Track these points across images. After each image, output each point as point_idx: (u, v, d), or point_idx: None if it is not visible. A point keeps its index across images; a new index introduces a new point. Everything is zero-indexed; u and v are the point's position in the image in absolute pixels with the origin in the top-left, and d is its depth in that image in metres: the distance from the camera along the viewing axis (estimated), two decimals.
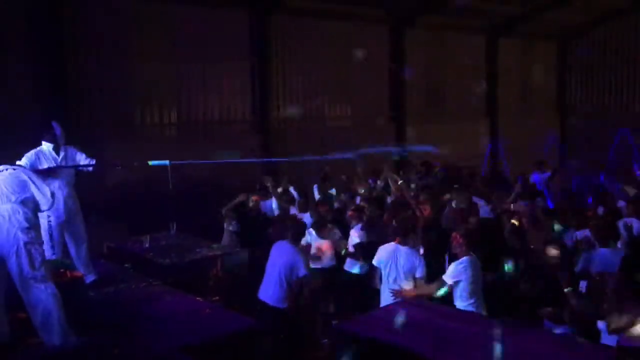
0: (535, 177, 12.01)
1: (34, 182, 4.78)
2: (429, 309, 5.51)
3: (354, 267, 7.48)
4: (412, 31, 14.95)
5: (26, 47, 9.49)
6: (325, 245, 7.58)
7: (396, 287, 6.05)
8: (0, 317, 4.68)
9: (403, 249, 6.15)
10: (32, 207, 4.74)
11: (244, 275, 7.19)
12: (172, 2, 10.93)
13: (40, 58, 9.60)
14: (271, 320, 6.27)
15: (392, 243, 6.25)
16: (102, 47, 10.18)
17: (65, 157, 6.04)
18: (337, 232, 7.82)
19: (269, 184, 9.26)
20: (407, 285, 6.05)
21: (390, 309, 5.47)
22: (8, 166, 4.94)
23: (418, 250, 6.41)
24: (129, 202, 9.60)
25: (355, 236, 7.54)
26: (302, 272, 6.33)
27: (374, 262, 6.36)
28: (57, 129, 5.99)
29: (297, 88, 13.20)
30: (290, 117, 13.09)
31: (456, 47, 16.20)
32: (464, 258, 5.73)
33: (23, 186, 4.75)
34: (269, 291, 6.41)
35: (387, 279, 6.16)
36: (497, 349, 4.43)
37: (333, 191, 10.21)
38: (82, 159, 6.16)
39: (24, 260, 4.48)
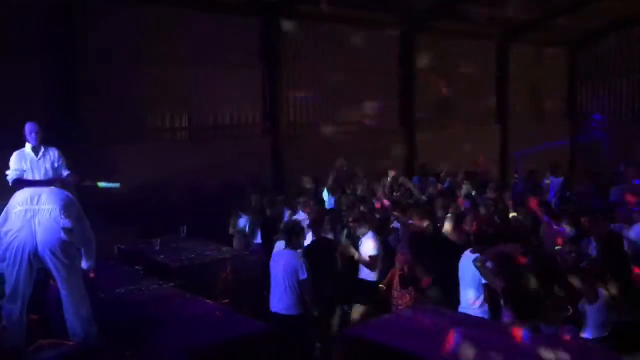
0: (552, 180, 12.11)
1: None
2: (439, 314, 5.49)
3: (370, 275, 7.35)
4: (422, 36, 14.96)
5: (40, 52, 9.58)
6: None
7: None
8: (21, 321, 4.74)
9: (467, 256, 6.14)
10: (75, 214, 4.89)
11: (253, 279, 7.19)
12: (184, 7, 11.00)
13: (53, 62, 9.69)
14: (285, 330, 6.15)
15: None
16: (114, 51, 10.24)
17: (43, 156, 5.98)
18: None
19: (309, 186, 9.12)
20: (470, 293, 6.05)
21: (402, 314, 5.46)
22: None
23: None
24: (140, 204, 9.64)
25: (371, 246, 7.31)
26: (301, 275, 6.20)
27: None
28: (33, 129, 5.95)
29: (308, 93, 13.22)
30: (300, 122, 13.13)
31: (467, 53, 16.17)
32: None
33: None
34: (278, 301, 6.31)
35: None
36: (510, 355, 4.41)
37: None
38: (59, 164, 6.07)
39: (61, 259, 4.62)
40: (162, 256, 7.15)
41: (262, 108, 12.43)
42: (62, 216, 4.71)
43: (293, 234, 6.54)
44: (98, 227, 6.28)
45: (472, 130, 16.05)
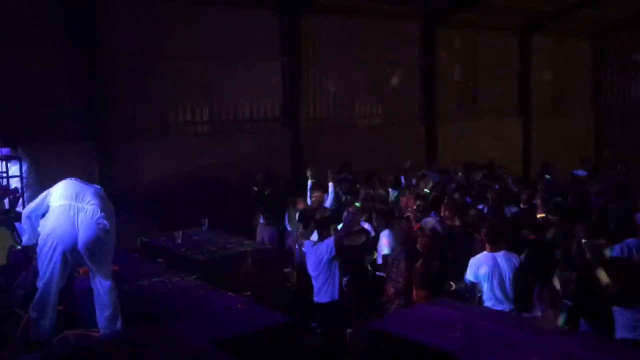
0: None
1: None
2: (461, 308, 5.45)
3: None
4: (443, 29, 14.82)
5: (63, 49, 9.68)
6: None
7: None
8: (51, 314, 4.80)
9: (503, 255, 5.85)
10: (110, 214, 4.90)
11: (274, 272, 7.23)
12: (204, 2, 11.04)
13: (76, 59, 9.79)
14: (319, 316, 6.49)
15: (486, 253, 5.82)
16: (136, 47, 10.32)
17: None
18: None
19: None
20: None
21: (424, 308, 5.43)
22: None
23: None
24: (162, 197, 9.72)
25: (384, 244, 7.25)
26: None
27: (472, 278, 5.84)
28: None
29: (327, 87, 13.20)
30: (320, 115, 13.11)
31: (488, 46, 16.00)
32: None
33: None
34: (315, 290, 6.59)
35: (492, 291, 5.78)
36: (532, 349, 4.36)
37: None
38: None
39: (98, 256, 4.74)
40: (184, 249, 7.20)
41: (282, 102, 12.44)
42: (102, 216, 4.74)
43: (323, 226, 6.70)
44: (121, 221, 6.35)
45: (494, 123, 15.90)
